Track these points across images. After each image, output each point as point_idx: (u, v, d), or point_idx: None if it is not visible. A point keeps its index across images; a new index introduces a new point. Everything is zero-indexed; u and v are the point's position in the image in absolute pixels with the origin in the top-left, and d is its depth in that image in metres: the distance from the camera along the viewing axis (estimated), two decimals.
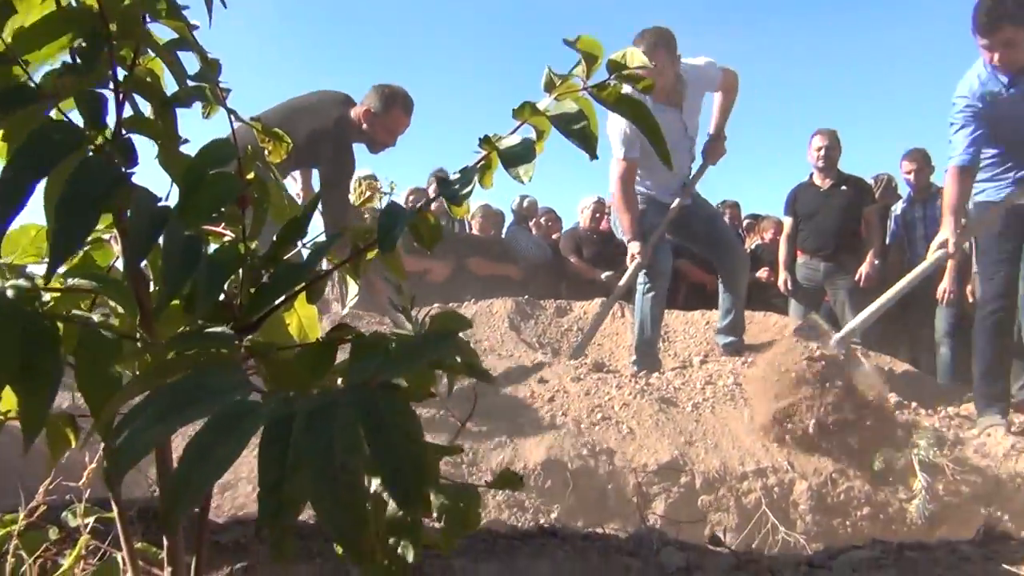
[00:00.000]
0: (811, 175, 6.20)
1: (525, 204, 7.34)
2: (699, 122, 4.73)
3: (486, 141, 0.94)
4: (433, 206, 1.05)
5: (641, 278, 4.71)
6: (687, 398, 3.99)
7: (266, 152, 1.03)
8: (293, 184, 4.96)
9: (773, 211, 7.28)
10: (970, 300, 5.65)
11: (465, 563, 1.76)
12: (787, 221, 6.31)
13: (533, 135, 0.98)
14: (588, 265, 6.88)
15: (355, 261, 0.99)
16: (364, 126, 4.44)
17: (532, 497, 3.25)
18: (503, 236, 7.24)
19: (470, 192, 0.96)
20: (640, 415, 3.75)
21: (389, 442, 0.57)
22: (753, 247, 7.17)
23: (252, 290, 0.93)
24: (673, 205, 4.71)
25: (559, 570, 1.62)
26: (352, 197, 1.11)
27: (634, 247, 4.54)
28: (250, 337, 0.88)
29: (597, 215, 7.11)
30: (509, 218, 7.44)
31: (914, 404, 4.22)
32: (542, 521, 3.09)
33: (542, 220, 7.52)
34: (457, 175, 0.96)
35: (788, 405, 3.57)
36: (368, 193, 1.08)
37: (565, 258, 7.00)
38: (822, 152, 6.05)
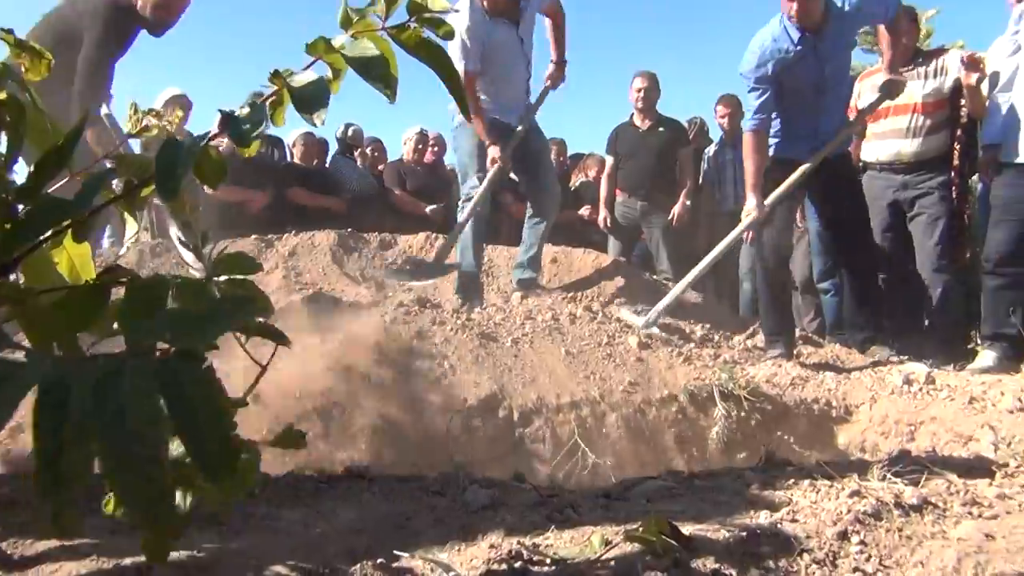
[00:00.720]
0: (631, 116, 6.39)
1: (350, 133, 7.12)
2: (534, 40, 4.75)
3: (275, 76, 0.88)
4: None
5: (462, 202, 4.72)
6: (507, 333, 4.06)
7: (23, 69, 0.92)
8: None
9: (598, 149, 7.48)
10: None
11: (268, 509, 1.71)
12: (608, 160, 6.49)
13: (329, 73, 0.92)
14: (413, 198, 6.81)
15: (130, 198, 0.91)
16: (138, 3, 4.10)
17: None
18: (326, 166, 7.01)
19: (261, 132, 0.90)
20: (461, 351, 3.79)
21: (194, 416, 0.54)
22: (577, 184, 7.34)
23: (7, 226, 0.83)
24: (518, 129, 4.72)
25: (365, 513, 1.62)
26: (127, 125, 1.01)
27: (494, 151, 4.52)
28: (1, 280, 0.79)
29: (420, 147, 7.03)
30: (333, 147, 7.21)
31: (716, 337, 4.52)
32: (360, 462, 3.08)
33: (367, 150, 7.33)
34: (246, 110, 0.89)
35: None
36: (145, 120, 0.98)
37: (390, 190, 6.89)
38: (642, 94, 6.24)
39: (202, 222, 1.04)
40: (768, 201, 4.29)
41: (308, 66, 0.90)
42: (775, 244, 4.42)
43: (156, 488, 0.51)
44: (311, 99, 0.86)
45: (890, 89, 4.43)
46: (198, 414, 0.55)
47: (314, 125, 0.84)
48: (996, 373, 3.94)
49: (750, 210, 4.31)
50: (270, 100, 0.91)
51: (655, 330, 4.33)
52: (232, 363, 0.97)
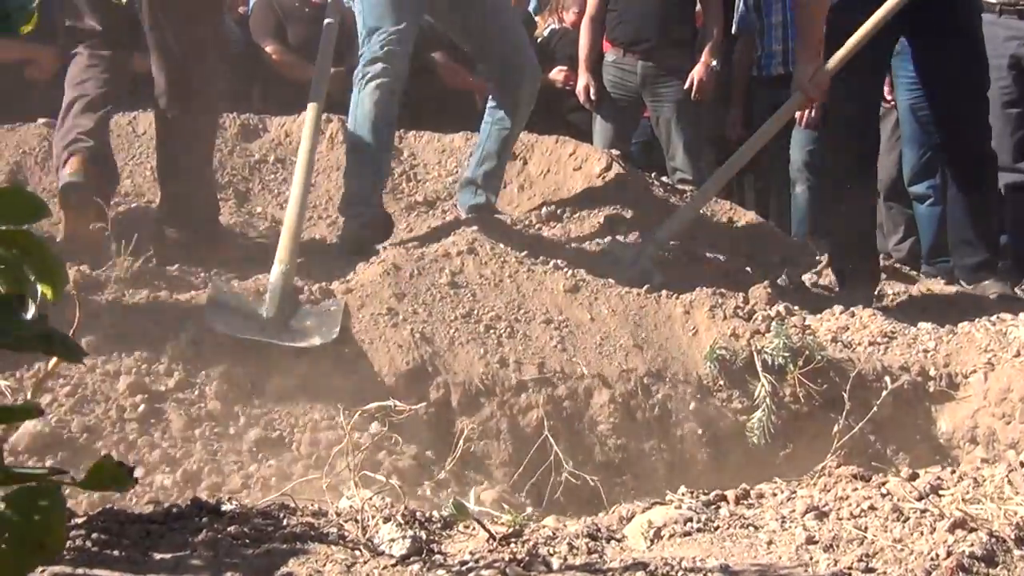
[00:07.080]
0: None
1: None
2: None
3: None
4: None
5: (362, 67, 4.30)
6: (438, 268, 3.97)
7: None
8: None
9: None
10: None
11: (73, 570, 1.68)
12: None
13: None
14: (297, 56, 6.63)
15: None
16: None
17: None
18: None
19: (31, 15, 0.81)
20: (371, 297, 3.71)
21: None
22: (546, 34, 7.20)
23: None
24: None
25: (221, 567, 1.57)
26: None
27: None
28: None
29: None
30: None
31: (759, 271, 4.48)
32: None
33: None
34: None
35: None
36: None
37: (257, 46, 6.71)
38: None
39: None
40: (830, 65, 4.19)
41: None
42: (852, 122, 4.35)
43: None
44: None
45: None
46: None
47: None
48: None
49: (800, 82, 4.24)
50: None
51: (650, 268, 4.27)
52: None
